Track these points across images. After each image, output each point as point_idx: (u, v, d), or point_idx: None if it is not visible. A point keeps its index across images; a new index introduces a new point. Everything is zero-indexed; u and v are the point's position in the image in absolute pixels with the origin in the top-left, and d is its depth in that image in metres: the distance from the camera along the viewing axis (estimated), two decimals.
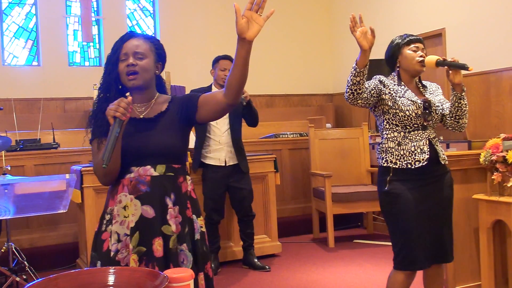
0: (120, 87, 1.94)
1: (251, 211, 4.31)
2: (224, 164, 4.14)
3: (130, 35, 1.95)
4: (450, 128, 2.69)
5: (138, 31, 7.03)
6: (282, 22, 7.55)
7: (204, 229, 1.99)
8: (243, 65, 1.76)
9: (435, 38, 5.96)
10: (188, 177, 1.98)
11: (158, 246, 1.83)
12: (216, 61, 4.26)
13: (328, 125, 6.77)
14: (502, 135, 3.20)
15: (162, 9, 7.06)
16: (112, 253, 1.83)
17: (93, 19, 6.66)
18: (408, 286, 2.60)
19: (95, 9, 6.76)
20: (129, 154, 1.85)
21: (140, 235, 1.83)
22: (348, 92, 2.49)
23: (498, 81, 5.20)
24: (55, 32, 6.49)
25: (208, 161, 4.16)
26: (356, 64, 2.41)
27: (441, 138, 4.74)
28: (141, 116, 1.94)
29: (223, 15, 7.19)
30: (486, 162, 3.15)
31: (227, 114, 4.15)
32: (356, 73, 2.42)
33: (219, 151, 4.14)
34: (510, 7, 5.08)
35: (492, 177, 3.13)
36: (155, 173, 1.87)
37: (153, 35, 2.02)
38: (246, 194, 4.23)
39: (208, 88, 4.24)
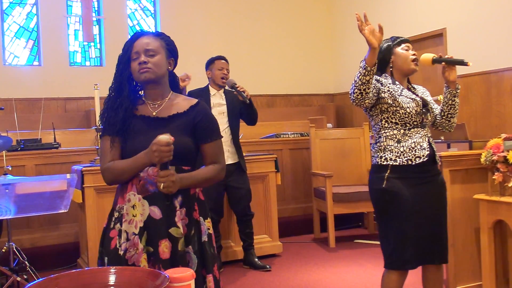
0: (134, 83, 1.97)
1: (249, 211, 4.29)
2: None
3: (140, 33, 1.97)
4: (440, 128, 2.69)
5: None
6: (283, 22, 7.55)
7: (211, 231, 1.99)
8: None
9: (436, 38, 5.96)
10: None
11: (164, 248, 1.83)
12: (211, 62, 4.27)
13: (329, 125, 6.76)
14: (503, 135, 3.19)
15: (163, 9, 7.05)
16: (121, 252, 1.84)
17: (94, 19, 6.65)
18: (402, 285, 2.59)
19: (96, 9, 6.75)
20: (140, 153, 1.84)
21: (147, 235, 1.84)
22: (356, 92, 2.42)
23: (499, 81, 5.19)
24: (56, 32, 6.49)
25: None
26: (365, 63, 2.35)
27: (442, 138, 4.73)
28: (154, 114, 1.94)
29: (224, 15, 7.19)
30: (487, 162, 3.15)
31: (226, 113, 4.17)
32: (366, 72, 2.36)
33: None
34: (511, 7, 5.07)
35: (493, 177, 3.13)
36: None
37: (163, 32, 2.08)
38: (244, 193, 4.21)
39: (206, 89, 4.24)
